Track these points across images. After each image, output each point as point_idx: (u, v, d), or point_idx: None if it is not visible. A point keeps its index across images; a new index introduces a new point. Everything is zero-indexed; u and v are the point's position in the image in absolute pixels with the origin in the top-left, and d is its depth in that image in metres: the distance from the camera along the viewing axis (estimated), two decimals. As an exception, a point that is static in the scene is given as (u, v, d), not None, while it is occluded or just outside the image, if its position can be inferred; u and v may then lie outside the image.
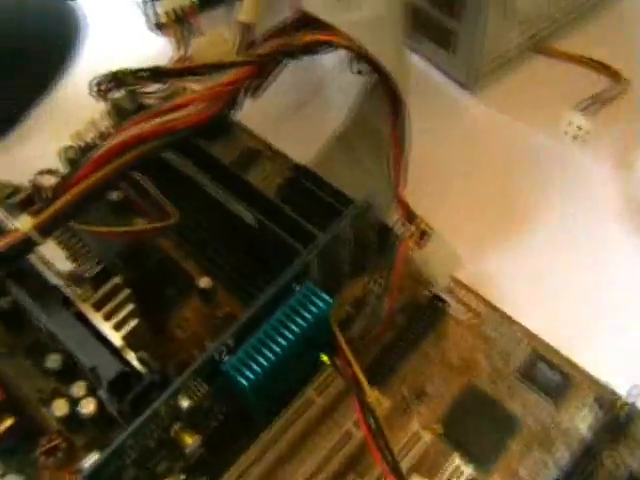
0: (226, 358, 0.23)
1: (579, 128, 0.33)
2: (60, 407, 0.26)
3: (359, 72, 0.32)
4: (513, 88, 0.39)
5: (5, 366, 0.30)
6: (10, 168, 0.36)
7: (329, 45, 0.30)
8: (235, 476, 0.25)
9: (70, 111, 0.39)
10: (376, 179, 0.32)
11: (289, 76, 0.34)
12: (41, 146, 0.38)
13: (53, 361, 0.27)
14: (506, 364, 0.29)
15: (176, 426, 0.23)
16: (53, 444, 0.27)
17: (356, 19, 0.31)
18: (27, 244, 0.24)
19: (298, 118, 0.38)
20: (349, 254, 0.28)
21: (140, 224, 0.31)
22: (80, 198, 0.24)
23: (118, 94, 0.33)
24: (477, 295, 0.31)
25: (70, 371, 0.27)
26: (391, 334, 0.30)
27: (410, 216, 0.30)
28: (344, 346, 0.26)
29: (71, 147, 0.33)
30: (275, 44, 0.30)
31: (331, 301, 0.25)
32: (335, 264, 0.27)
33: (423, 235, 0.30)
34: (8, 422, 0.27)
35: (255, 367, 0.23)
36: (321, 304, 0.24)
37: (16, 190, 0.27)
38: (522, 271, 0.33)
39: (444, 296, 0.31)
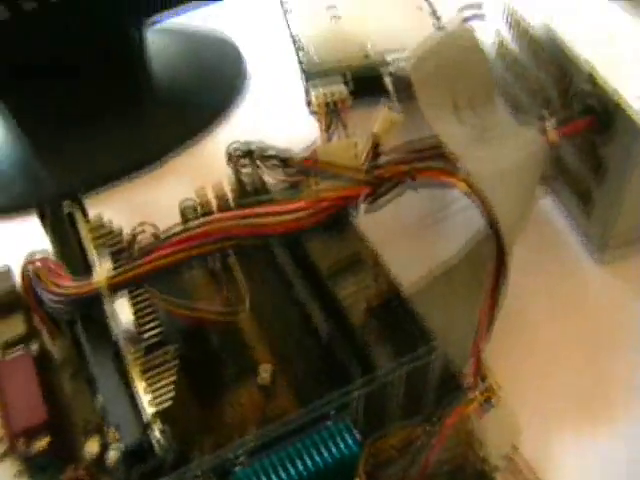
0: (240, 464, 0.24)
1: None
2: (92, 446, 0.27)
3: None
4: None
5: (66, 385, 0.32)
6: (132, 207, 0.40)
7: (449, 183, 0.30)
8: None
9: (207, 162, 0.42)
10: (464, 324, 0.32)
11: (416, 196, 0.35)
12: (168, 191, 0.40)
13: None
14: None
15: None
16: (77, 476, 0.29)
17: (490, 162, 0.31)
18: (96, 296, 0.25)
19: (412, 239, 0.37)
20: (401, 397, 0.27)
21: (207, 306, 0.31)
22: (156, 270, 0.25)
23: (246, 169, 0.35)
24: (533, 473, 0.29)
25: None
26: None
27: (482, 373, 0.29)
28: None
29: (190, 202, 0.35)
30: (397, 169, 0.30)
31: (360, 445, 0.24)
32: (383, 404, 0.27)
33: (487, 401, 0.28)
34: (43, 443, 0.28)
35: (263, 486, 0.23)
36: (351, 444, 0.24)
37: (116, 236, 0.29)
38: (596, 465, 0.30)
39: (494, 471, 0.29)
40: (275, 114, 0.45)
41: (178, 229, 0.27)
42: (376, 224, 0.36)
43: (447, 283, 0.34)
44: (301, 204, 0.28)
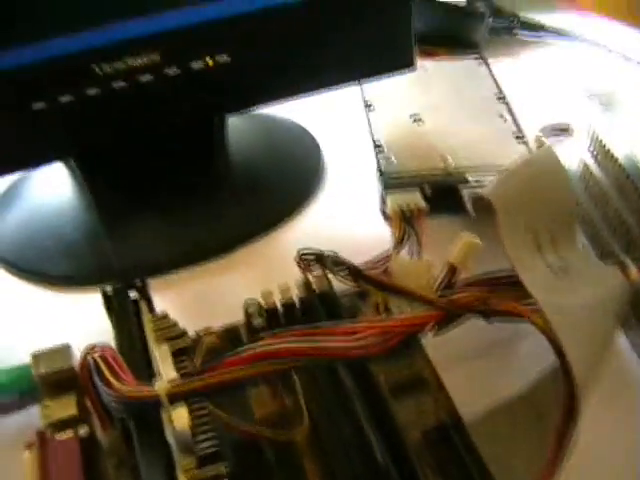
0: None
1: None
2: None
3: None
4: None
5: (110, 473, 0.31)
6: (197, 294, 0.40)
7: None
8: None
9: (277, 256, 0.42)
10: (524, 463, 0.30)
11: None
12: (235, 282, 0.40)
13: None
14: None
15: None
16: None
17: (568, 306, 0.30)
18: (155, 403, 0.25)
19: (476, 365, 0.36)
20: None
21: (265, 424, 0.30)
22: (219, 386, 0.25)
23: (315, 272, 0.35)
24: None
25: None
26: None
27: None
28: None
29: (255, 302, 0.34)
30: (471, 299, 0.29)
31: None
32: None
33: None
34: None
35: None
36: None
37: (180, 335, 0.29)
38: None
39: None
40: (347, 212, 0.45)
41: (244, 347, 0.26)
42: (441, 346, 0.35)
43: (509, 418, 0.32)
44: (372, 329, 0.27)
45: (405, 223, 0.40)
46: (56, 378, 0.32)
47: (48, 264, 0.43)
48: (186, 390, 0.25)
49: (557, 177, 0.35)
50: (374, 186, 0.45)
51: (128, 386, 0.26)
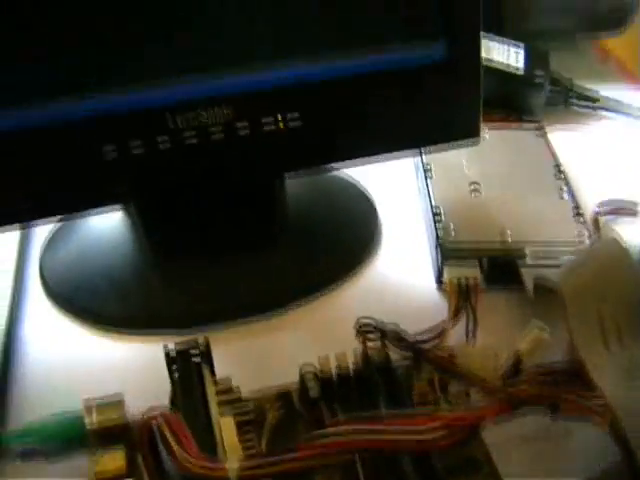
0: None
1: None
2: None
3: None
4: None
5: None
6: (250, 351, 0.40)
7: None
8: None
9: (331, 318, 0.41)
10: None
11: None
12: (290, 341, 0.40)
13: None
14: None
15: None
16: None
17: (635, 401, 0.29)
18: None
19: (530, 450, 0.36)
20: None
21: None
22: (286, 472, 0.25)
23: (374, 344, 0.34)
24: None
25: None
26: None
27: None
28: None
29: (311, 368, 0.34)
30: (534, 390, 0.29)
31: None
32: None
33: None
34: None
35: None
36: None
37: (244, 405, 0.28)
38: None
39: None
40: (403, 279, 0.45)
41: (316, 434, 0.26)
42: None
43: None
44: (436, 422, 0.27)
45: (461, 296, 0.39)
46: (108, 430, 0.32)
47: (100, 303, 0.43)
48: (256, 474, 0.25)
49: (625, 269, 0.34)
50: (429, 254, 0.45)
51: (193, 458, 0.25)
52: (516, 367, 0.30)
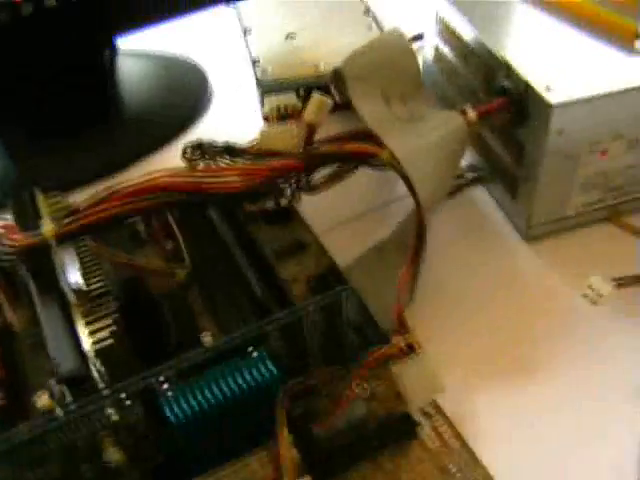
0: (166, 390, 0.26)
1: (599, 295, 0.33)
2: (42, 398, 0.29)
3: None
4: (569, 246, 0.39)
5: (25, 353, 0.33)
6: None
7: (373, 157, 0.33)
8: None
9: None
10: (392, 292, 0.34)
11: (362, 186, 0.39)
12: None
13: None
14: (453, 502, 0.28)
15: (104, 434, 0.26)
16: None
17: (411, 139, 0.34)
18: (45, 247, 0.28)
19: (355, 227, 0.40)
20: (321, 338, 0.29)
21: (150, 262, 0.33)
22: (100, 222, 0.28)
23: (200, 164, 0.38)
24: (454, 428, 0.31)
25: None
26: (354, 435, 0.30)
27: (403, 327, 0.31)
28: (283, 428, 0.27)
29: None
30: (325, 148, 0.33)
31: (277, 374, 0.26)
32: (304, 344, 0.29)
33: (408, 349, 0.30)
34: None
35: (186, 408, 0.25)
36: (267, 374, 0.26)
37: (69, 206, 0.32)
38: (509, 420, 0.32)
39: (419, 418, 0.31)
40: (232, 124, 0.48)
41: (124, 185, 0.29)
42: (320, 214, 0.39)
43: (379, 258, 0.36)
44: (238, 170, 0.31)
45: (281, 120, 0.43)
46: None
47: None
48: (70, 229, 0.28)
49: (404, 50, 0.39)
50: (257, 100, 0.49)
51: (20, 238, 0.28)
52: (310, 136, 0.34)
